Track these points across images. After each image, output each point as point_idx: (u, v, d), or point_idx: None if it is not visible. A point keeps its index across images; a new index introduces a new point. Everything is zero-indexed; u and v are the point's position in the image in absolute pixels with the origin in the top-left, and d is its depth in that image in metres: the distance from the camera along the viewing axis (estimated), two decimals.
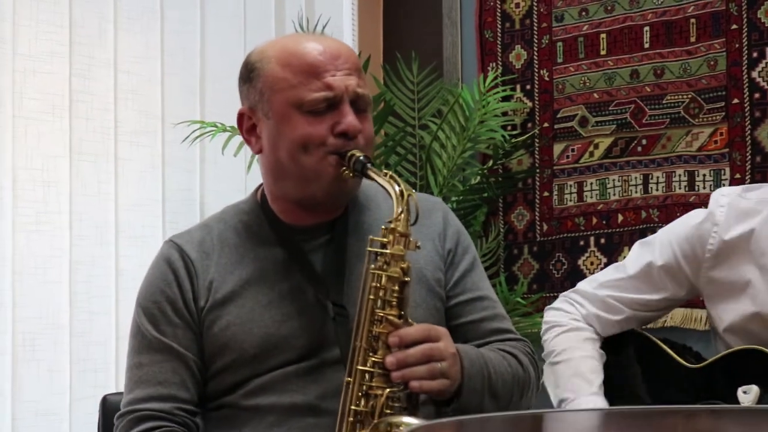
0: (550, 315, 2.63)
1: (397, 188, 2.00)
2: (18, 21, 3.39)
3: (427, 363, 1.95)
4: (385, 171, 2.04)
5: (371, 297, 1.97)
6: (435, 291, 2.18)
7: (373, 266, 1.99)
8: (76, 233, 3.47)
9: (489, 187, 3.84)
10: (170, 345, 2.11)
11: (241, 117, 2.16)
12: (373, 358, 1.96)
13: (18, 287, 3.33)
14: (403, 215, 1.99)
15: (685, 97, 3.67)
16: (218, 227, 2.20)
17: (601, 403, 2.43)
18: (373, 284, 1.98)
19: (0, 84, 3.35)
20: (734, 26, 3.60)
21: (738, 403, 2.32)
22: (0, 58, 3.35)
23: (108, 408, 2.43)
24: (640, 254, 2.53)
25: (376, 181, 2.03)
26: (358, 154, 2.04)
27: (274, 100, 2.09)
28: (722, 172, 3.59)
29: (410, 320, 1.99)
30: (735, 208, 2.42)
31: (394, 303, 1.97)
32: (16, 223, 3.34)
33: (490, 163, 3.90)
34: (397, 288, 1.98)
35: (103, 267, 3.52)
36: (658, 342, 2.51)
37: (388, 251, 1.98)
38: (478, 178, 3.87)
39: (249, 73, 2.13)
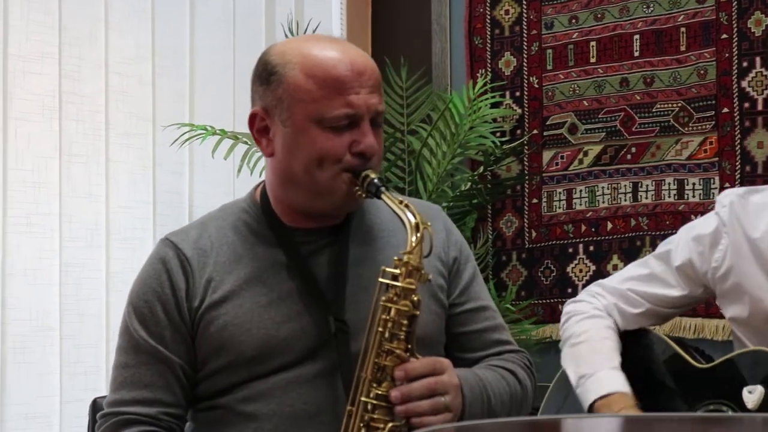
0: (570, 306, 2.67)
1: (412, 219, 1.98)
2: (8, 21, 3.36)
3: (430, 397, 1.95)
4: (399, 198, 2.02)
5: (380, 329, 1.96)
6: (437, 297, 2.17)
7: (384, 298, 1.97)
8: (66, 235, 3.44)
9: (479, 194, 3.84)
10: (156, 347, 2.09)
11: (253, 117, 2.12)
12: (377, 390, 1.95)
13: (8, 289, 3.30)
14: (417, 248, 1.97)
15: (674, 105, 3.69)
16: (216, 225, 2.17)
17: (621, 377, 2.47)
18: (383, 316, 1.96)
19: None
20: (724, 35, 3.62)
21: (743, 402, 2.36)
22: None
23: (98, 411, 2.39)
24: (661, 253, 2.60)
25: (390, 206, 2.01)
26: (372, 175, 2.02)
27: (294, 109, 2.05)
28: (711, 180, 3.61)
29: (416, 354, 1.98)
30: (738, 208, 2.49)
31: (402, 337, 1.96)
32: (6, 224, 3.31)
33: (481, 169, 3.90)
34: (406, 322, 1.96)
35: (94, 269, 3.49)
36: (669, 341, 2.55)
37: (399, 284, 1.96)
38: (469, 184, 3.87)
39: (268, 76, 2.08)
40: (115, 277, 3.51)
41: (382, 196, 2.01)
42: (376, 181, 2.02)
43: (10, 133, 3.35)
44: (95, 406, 2.44)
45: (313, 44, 2.11)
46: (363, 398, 1.95)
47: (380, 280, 1.98)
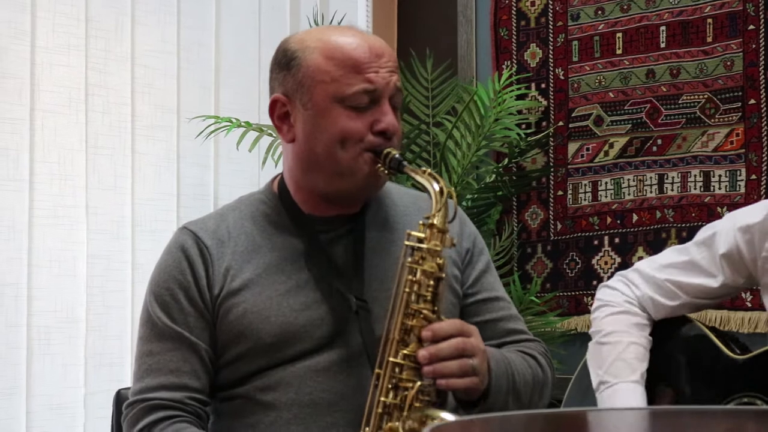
0: (603, 293, 2.62)
1: (436, 186, 2.01)
2: (36, 13, 3.39)
3: (458, 358, 1.95)
4: (423, 168, 2.05)
5: (406, 290, 1.97)
6: (452, 287, 2.18)
7: (409, 260, 1.98)
8: (92, 227, 3.46)
9: (504, 186, 3.83)
10: (182, 333, 2.10)
11: (274, 103, 2.14)
12: (405, 351, 1.96)
13: (34, 281, 3.32)
14: (441, 212, 1.99)
15: (701, 97, 3.67)
16: (233, 215, 2.19)
17: (640, 392, 2.44)
18: (409, 277, 1.97)
19: (19, 76, 3.35)
20: (751, 26, 3.60)
21: None
22: (19, 50, 3.35)
23: (122, 402, 2.37)
24: (704, 239, 2.53)
25: (414, 178, 2.03)
26: (394, 152, 2.05)
27: (314, 91, 2.07)
28: (738, 172, 3.58)
29: (442, 316, 1.99)
30: None
31: (429, 298, 1.97)
32: (33, 216, 3.34)
33: (506, 161, 3.89)
34: (432, 283, 1.98)
35: (119, 261, 3.52)
36: (706, 330, 2.52)
37: (424, 246, 1.98)
38: (494, 176, 3.86)
39: (289, 61, 2.11)
40: (140, 269, 3.52)
41: (405, 168, 2.03)
42: (397, 156, 2.04)
43: (37, 124, 3.38)
44: (119, 397, 2.44)
45: (332, 31, 2.16)
46: (391, 359, 1.96)
47: (405, 243, 2.00)
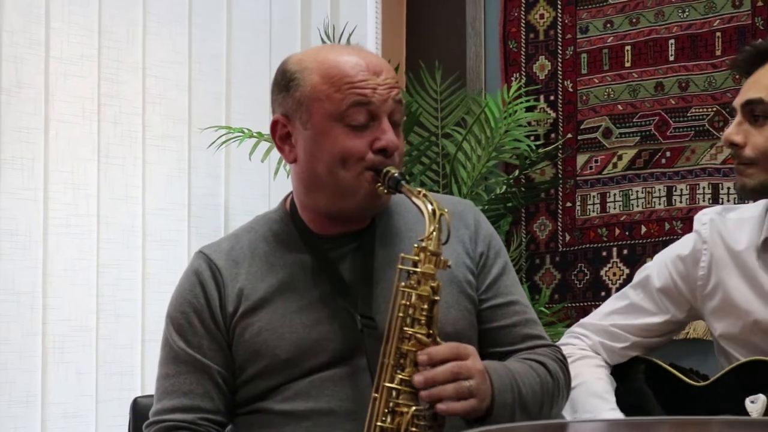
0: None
1: (429, 207, 2.00)
2: (50, 24, 3.41)
3: (454, 381, 1.95)
4: (419, 189, 2.04)
5: (400, 314, 1.97)
6: (467, 293, 2.18)
7: (403, 284, 1.99)
8: (103, 236, 3.48)
9: (513, 197, 3.85)
10: (194, 356, 2.14)
11: (275, 124, 2.15)
12: (400, 376, 1.96)
13: (49, 290, 3.34)
14: (435, 234, 1.99)
15: (709, 110, 3.70)
16: (248, 237, 2.22)
17: (620, 416, 2.44)
18: (403, 302, 1.98)
19: (34, 86, 3.36)
20: (760, 41, 3.61)
21: (746, 413, 2.34)
22: (34, 61, 3.37)
23: (139, 410, 2.47)
24: (639, 280, 2.59)
25: (409, 198, 2.04)
26: (393, 171, 2.05)
27: (313, 111, 2.08)
28: None
29: (438, 339, 1.99)
30: (719, 224, 2.49)
31: (423, 321, 1.97)
32: (47, 225, 3.35)
33: (516, 172, 3.91)
34: (426, 307, 1.97)
35: (130, 271, 3.53)
36: (664, 365, 2.54)
37: (419, 270, 1.98)
38: (503, 187, 3.88)
39: (287, 82, 2.12)
40: (150, 278, 3.54)
41: (403, 189, 2.04)
42: (396, 175, 2.05)
43: (51, 135, 3.39)
44: (136, 405, 2.49)
45: (329, 50, 2.18)
46: (387, 384, 1.97)
47: (399, 266, 2.00)
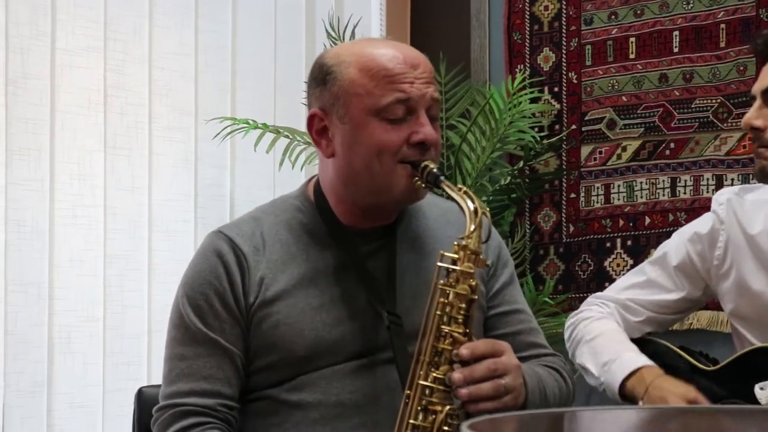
0: (574, 318, 2.68)
1: (471, 205, 2.00)
2: (56, 16, 3.42)
3: (491, 379, 1.95)
4: (459, 186, 2.04)
5: (438, 312, 1.97)
6: (478, 302, 2.19)
7: (442, 282, 1.98)
8: (110, 227, 3.50)
9: (518, 188, 3.86)
10: (217, 339, 2.10)
11: (312, 118, 2.14)
12: (435, 374, 1.96)
13: (56, 280, 3.36)
14: (475, 233, 1.98)
15: (714, 101, 3.70)
16: (268, 221, 2.18)
17: (644, 359, 2.46)
18: (441, 300, 1.97)
19: (40, 77, 3.38)
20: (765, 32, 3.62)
21: (755, 399, 2.35)
22: (40, 52, 3.38)
23: (144, 400, 2.41)
24: (657, 257, 2.62)
25: (449, 194, 2.02)
26: (431, 165, 2.04)
27: (350, 105, 2.07)
28: (750, 176, 3.60)
29: (474, 338, 1.99)
30: (736, 206, 2.51)
31: (460, 320, 1.97)
32: (54, 216, 3.37)
33: (521, 164, 3.92)
34: (464, 305, 1.97)
35: (136, 261, 3.55)
36: (675, 348, 2.55)
37: (458, 268, 1.98)
38: (508, 179, 3.89)
39: (324, 76, 2.11)
40: (157, 268, 3.56)
41: (443, 184, 2.02)
42: (435, 170, 2.03)
43: (57, 126, 3.41)
44: (141, 395, 2.44)
45: (366, 44, 2.16)
46: (421, 382, 1.96)
47: (439, 264, 1.99)
